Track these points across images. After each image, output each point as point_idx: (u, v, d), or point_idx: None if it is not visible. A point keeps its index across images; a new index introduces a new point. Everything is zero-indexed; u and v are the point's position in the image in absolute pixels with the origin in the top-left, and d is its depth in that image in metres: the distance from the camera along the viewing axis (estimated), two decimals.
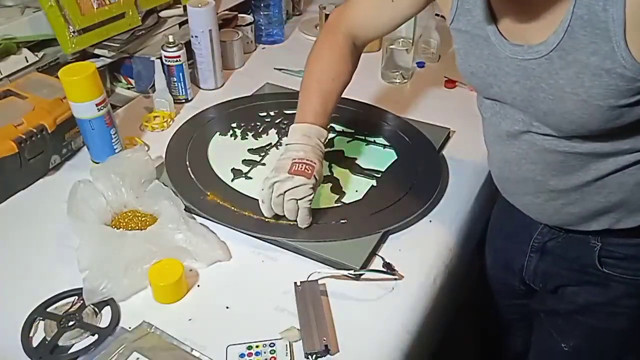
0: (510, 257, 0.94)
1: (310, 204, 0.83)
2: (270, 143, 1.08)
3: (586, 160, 0.69)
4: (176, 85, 1.19)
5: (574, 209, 0.75)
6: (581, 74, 0.60)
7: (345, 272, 0.79)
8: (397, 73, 1.30)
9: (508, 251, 0.94)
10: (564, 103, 0.63)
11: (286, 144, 0.87)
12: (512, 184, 0.79)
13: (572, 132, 0.66)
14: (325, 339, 0.69)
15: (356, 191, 0.95)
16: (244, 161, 1.03)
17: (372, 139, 1.08)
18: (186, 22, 1.27)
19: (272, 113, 1.16)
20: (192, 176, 0.97)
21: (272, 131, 1.11)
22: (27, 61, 1.12)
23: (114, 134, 0.99)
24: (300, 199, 0.82)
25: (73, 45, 1.13)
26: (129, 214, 0.87)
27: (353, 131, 1.11)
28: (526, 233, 0.87)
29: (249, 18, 1.44)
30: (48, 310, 0.74)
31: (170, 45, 1.15)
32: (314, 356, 0.69)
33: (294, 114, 1.15)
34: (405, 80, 1.31)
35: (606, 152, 0.68)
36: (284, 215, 0.85)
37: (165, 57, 1.16)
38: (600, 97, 0.60)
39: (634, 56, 0.57)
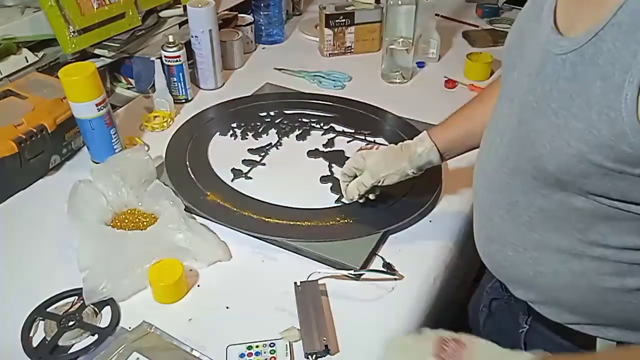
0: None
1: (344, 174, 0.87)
2: (270, 143, 1.08)
3: (542, 219, 0.61)
4: (176, 85, 1.19)
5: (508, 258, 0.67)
6: (575, 95, 0.51)
7: (345, 272, 0.79)
8: (397, 73, 1.30)
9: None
10: (540, 118, 0.55)
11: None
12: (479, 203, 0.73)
13: (531, 159, 0.58)
14: (325, 339, 0.69)
15: None
16: (244, 161, 1.03)
17: (372, 139, 1.09)
18: (186, 22, 1.27)
19: (272, 113, 1.16)
20: (192, 176, 0.97)
21: (272, 131, 1.11)
22: (27, 61, 1.12)
23: (114, 134, 0.99)
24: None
25: (73, 45, 1.13)
26: (129, 214, 0.87)
27: (353, 131, 1.11)
28: (488, 276, 0.84)
29: (249, 18, 1.44)
30: (48, 310, 0.74)
31: (170, 45, 1.15)
32: (314, 356, 0.69)
33: (294, 114, 1.16)
34: (405, 80, 1.30)
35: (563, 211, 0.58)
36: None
37: (165, 57, 1.16)
38: (576, 135, 0.51)
39: (638, 111, 0.46)
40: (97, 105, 0.94)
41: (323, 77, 1.31)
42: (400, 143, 0.85)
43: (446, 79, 1.29)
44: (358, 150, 0.86)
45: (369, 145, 0.86)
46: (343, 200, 0.90)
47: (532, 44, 0.60)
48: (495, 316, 0.82)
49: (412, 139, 0.85)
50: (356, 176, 0.86)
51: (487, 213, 0.68)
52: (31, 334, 0.72)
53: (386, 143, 1.07)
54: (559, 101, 0.53)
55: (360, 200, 0.87)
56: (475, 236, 0.75)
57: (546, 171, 0.56)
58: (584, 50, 0.50)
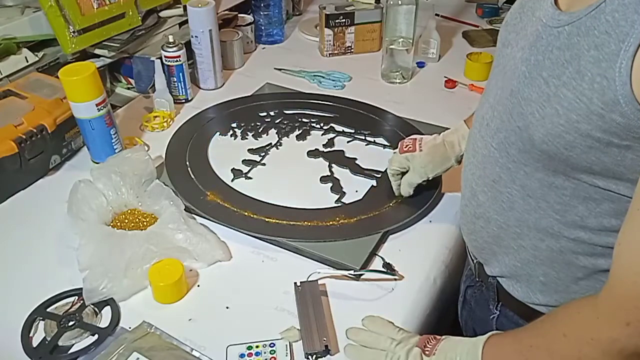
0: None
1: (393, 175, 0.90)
2: (270, 143, 1.08)
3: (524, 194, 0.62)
4: (176, 85, 1.19)
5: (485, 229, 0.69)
6: (567, 63, 0.51)
7: (345, 272, 0.79)
8: (397, 73, 1.29)
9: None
10: (531, 87, 0.55)
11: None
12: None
13: (519, 129, 0.58)
14: (325, 339, 0.69)
15: (356, 191, 0.95)
16: (244, 161, 1.03)
17: (372, 139, 1.09)
18: (186, 22, 1.27)
19: (272, 113, 1.16)
20: (192, 176, 0.97)
21: (272, 131, 1.11)
22: (27, 61, 1.12)
23: (114, 134, 0.99)
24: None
25: (73, 45, 1.13)
26: (129, 214, 0.87)
27: (353, 131, 1.11)
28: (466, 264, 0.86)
29: (249, 18, 1.44)
30: (48, 310, 0.74)
31: (170, 45, 1.15)
32: (314, 356, 0.69)
33: (294, 114, 1.16)
34: (405, 80, 1.30)
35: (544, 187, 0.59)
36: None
37: (165, 57, 1.16)
38: (565, 104, 0.51)
39: (632, 80, 0.46)
40: (97, 105, 0.94)
41: (323, 77, 1.31)
42: (442, 138, 0.86)
43: (446, 79, 1.29)
44: (401, 150, 0.87)
45: (411, 142, 0.87)
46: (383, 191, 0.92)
47: (529, 20, 0.61)
48: (470, 304, 0.83)
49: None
50: (403, 173, 0.88)
51: (473, 189, 0.70)
52: (31, 334, 0.72)
53: (386, 143, 1.07)
54: (551, 70, 0.53)
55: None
56: (460, 214, 0.76)
57: (532, 142, 0.56)
58: (581, 23, 0.51)
